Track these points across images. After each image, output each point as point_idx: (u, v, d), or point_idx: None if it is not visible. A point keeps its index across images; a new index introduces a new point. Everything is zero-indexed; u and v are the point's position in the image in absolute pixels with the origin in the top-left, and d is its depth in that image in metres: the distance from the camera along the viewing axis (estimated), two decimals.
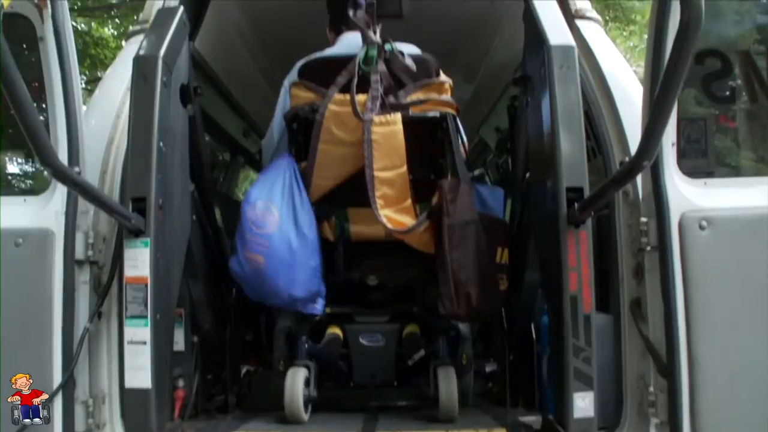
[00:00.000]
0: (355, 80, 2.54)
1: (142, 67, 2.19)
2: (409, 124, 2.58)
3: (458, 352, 2.85)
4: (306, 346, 2.80)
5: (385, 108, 2.56)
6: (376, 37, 2.58)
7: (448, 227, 2.55)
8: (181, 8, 2.45)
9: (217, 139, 4.90)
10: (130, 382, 2.13)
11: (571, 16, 2.67)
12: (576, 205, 2.06)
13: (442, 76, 2.75)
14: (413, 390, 2.96)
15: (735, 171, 2.52)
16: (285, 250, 2.56)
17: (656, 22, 2.11)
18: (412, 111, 2.63)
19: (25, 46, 2.28)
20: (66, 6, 2.26)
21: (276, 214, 2.57)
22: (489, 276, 2.60)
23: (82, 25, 10.74)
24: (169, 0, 2.79)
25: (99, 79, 9.93)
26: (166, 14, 2.43)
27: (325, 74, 2.64)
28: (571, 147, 2.12)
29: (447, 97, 2.73)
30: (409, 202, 2.65)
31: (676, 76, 1.51)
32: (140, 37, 2.51)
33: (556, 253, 2.12)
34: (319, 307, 2.70)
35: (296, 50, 3.98)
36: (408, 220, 2.61)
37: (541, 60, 2.24)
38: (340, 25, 2.88)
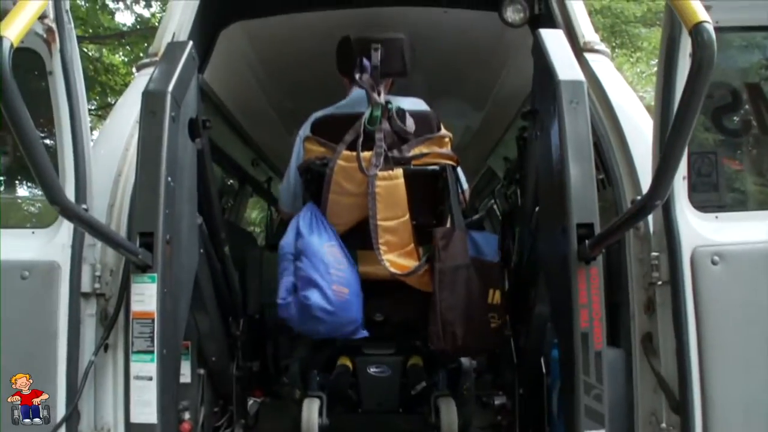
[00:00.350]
0: (361, 139, 2.80)
1: (151, 102, 2.19)
2: (411, 176, 2.84)
3: (460, 383, 3.04)
4: (318, 378, 3.00)
5: (389, 162, 2.81)
6: (381, 99, 2.85)
7: (438, 271, 2.79)
8: (190, 42, 2.46)
9: (226, 169, 4.92)
10: (136, 417, 2.11)
11: (579, 49, 2.68)
12: (587, 241, 2.03)
13: (443, 130, 2.97)
14: (416, 416, 3.08)
15: (747, 203, 2.50)
16: (356, 282, 2.82)
17: (666, 56, 2.11)
18: (415, 164, 2.87)
19: (36, 78, 2.29)
20: (75, 41, 2.27)
21: (341, 253, 2.82)
22: (477, 316, 2.80)
23: (93, 52, 10.85)
24: (179, 32, 2.83)
25: (109, 105, 10.04)
26: (175, 48, 2.44)
27: (335, 130, 2.88)
28: (581, 183, 2.10)
29: (447, 150, 2.96)
30: (411, 246, 2.90)
31: (689, 117, 1.50)
32: (150, 69, 2.51)
33: (567, 289, 2.09)
34: (366, 331, 2.87)
35: (304, 80, 4.02)
36: (410, 263, 2.86)
37: (550, 95, 2.23)
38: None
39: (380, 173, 2.78)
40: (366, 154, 2.79)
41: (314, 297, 2.72)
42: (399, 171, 2.82)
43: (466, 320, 2.77)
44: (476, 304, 2.81)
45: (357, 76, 2.87)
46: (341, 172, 2.83)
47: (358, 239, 2.89)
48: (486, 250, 2.97)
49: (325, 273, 2.75)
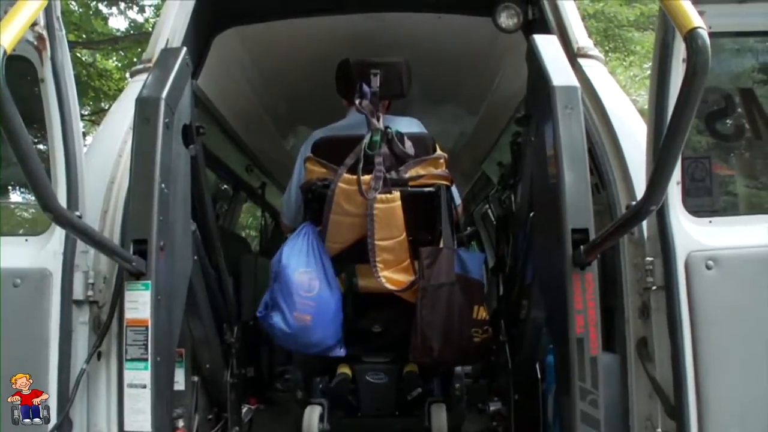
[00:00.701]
0: (361, 163, 2.94)
1: (145, 108, 2.18)
2: (408, 197, 2.99)
3: (451, 385, 3.21)
4: (321, 385, 3.19)
5: (387, 184, 2.96)
6: (380, 124, 3.00)
7: (421, 289, 2.96)
8: (184, 49, 2.44)
9: (220, 175, 4.91)
10: (130, 426, 2.09)
11: (573, 55, 2.66)
12: (581, 246, 2.03)
13: (438, 152, 3.14)
14: (412, 420, 3.22)
15: (741, 208, 2.51)
16: (327, 308, 2.95)
17: (659, 61, 2.11)
18: (411, 185, 3.04)
19: (29, 87, 2.28)
20: (66, 48, 2.26)
21: (316, 279, 2.96)
22: (458, 331, 2.96)
23: (86, 57, 10.82)
24: (172, 38, 2.82)
25: (102, 110, 10.01)
26: (169, 54, 2.43)
27: (336, 151, 3.03)
28: (576, 188, 2.09)
29: (442, 171, 3.12)
30: (407, 262, 3.05)
31: (683, 122, 1.50)
32: (143, 75, 2.50)
33: (562, 295, 2.09)
34: (342, 350, 3.04)
35: (299, 86, 4.01)
36: (405, 278, 3.02)
37: (545, 100, 2.23)
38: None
39: (379, 196, 2.93)
40: (366, 177, 2.94)
41: (276, 319, 2.92)
42: (396, 194, 2.96)
43: (446, 335, 2.93)
44: (458, 320, 2.96)
45: (357, 101, 3.04)
46: (342, 194, 2.96)
47: (357, 254, 3.03)
48: (472, 268, 3.12)
49: (288, 299, 2.92)
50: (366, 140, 2.98)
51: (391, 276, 3.01)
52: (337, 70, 3.21)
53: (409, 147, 3.03)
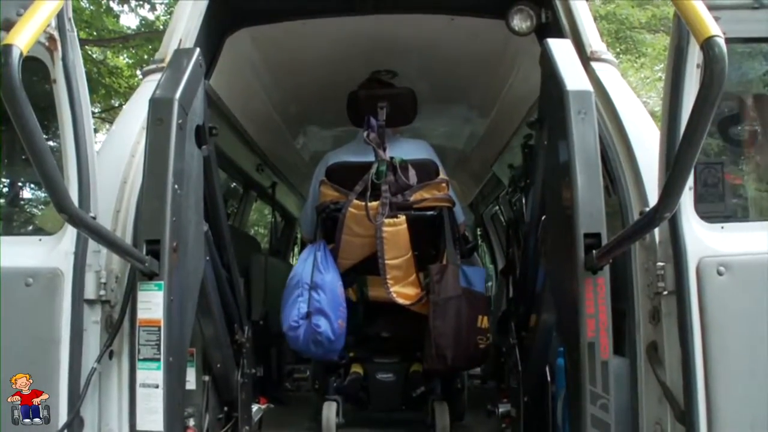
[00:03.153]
0: (369, 191, 3.26)
1: (158, 109, 2.18)
2: (413, 219, 3.33)
3: (453, 382, 3.59)
4: (335, 384, 3.55)
5: (393, 208, 3.27)
6: (386, 155, 3.29)
7: (432, 303, 3.26)
8: (197, 50, 2.44)
9: (231, 174, 4.91)
10: (142, 425, 2.10)
11: (586, 58, 2.66)
12: (594, 251, 2.02)
13: (441, 175, 3.47)
14: (417, 413, 3.64)
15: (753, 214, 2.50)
16: (346, 318, 3.29)
17: (673, 67, 2.10)
18: (415, 208, 3.36)
19: (43, 88, 2.29)
20: (77, 48, 2.27)
21: (343, 293, 3.31)
22: (466, 339, 3.26)
23: (97, 54, 10.85)
24: (185, 38, 2.83)
25: (113, 108, 10.03)
26: (182, 55, 2.43)
27: (347, 176, 3.38)
28: (588, 193, 2.09)
29: (444, 194, 3.45)
30: (414, 276, 3.40)
31: (699, 130, 1.49)
32: (156, 75, 2.51)
33: (573, 299, 2.08)
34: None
35: (310, 86, 4.01)
36: (413, 291, 3.39)
37: (558, 105, 2.22)
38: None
39: (387, 220, 3.24)
40: (373, 204, 3.25)
41: (324, 326, 3.20)
42: (402, 218, 3.28)
43: (456, 344, 3.22)
44: (465, 329, 3.25)
45: (365, 134, 3.31)
46: (352, 218, 3.29)
47: (367, 267, 3.38)
48: (475, 282, 3.43)
49: (335, 308, 3.24)
50: (373, 170, 3.28)
51: (401, 290, 3.35)
52: (348, 102, 3.50)
53: (412, 176, 3.31)
